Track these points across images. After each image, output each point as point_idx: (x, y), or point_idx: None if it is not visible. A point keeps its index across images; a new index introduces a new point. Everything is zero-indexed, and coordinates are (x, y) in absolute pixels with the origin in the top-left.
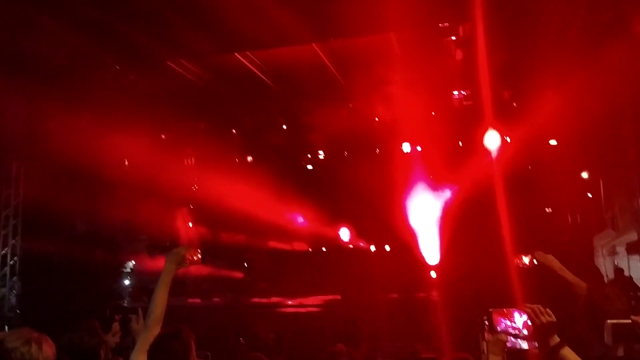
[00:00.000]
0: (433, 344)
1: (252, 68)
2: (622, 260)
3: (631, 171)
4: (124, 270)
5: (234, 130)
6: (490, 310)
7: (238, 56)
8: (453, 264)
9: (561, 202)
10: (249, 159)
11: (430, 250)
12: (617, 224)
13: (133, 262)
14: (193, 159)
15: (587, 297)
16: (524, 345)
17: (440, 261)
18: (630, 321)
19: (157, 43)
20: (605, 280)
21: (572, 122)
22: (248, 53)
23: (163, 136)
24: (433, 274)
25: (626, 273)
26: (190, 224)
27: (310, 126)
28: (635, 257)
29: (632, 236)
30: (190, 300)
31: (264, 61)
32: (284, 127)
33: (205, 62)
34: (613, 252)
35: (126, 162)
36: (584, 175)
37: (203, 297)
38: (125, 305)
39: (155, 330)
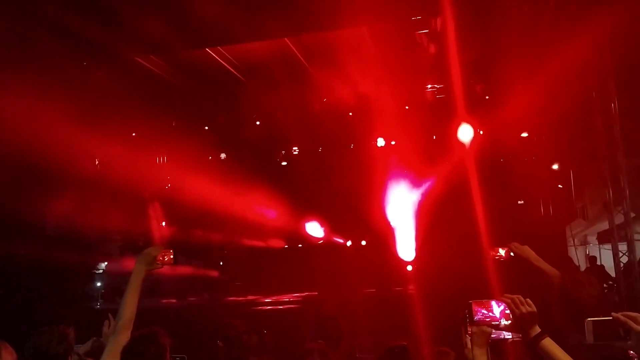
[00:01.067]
0: (412, 338)
1: (224, 64)
2: (593, 249)
3: (601, 162)
4: (96, 271)
5: (206, 127)
6: (470, 301)
7: (210, 52)
8: (429, 258)
9: (533, 194)
10: (222, 156)
11: (407, 244)
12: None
13: (105, 263)
14: (165, 157)
15: (560, 284)
16: (508, 335)
17: (416, 255)
18: (610, 318)
19: (125, 39)
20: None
21: (542, 115)
22: (220, 48)
23: (134, 134)
24: (409, 268)
25: (598, 262)
26: (164, 223)
27: (283, 122)
28: (606, 245)
29: (603, 225)
30: (164, 300)
31: (236, 57)
32: (257, 123)
33: (176, 58)
34: (585, 242)
35: (97, 162)
36: (555, 166)
37: (178, 297)
38: (98, 307)
39: (124, 334)
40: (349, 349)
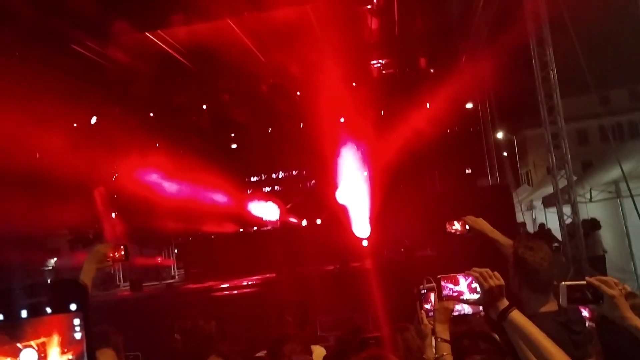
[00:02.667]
0: (370, 314)
1: (168, 49)
2: (539, 214)
3: (542, 128)
4: (45, 268)
5: (151, 114)
6: (439, 276)
7: (152, 37)
8: (383, 233)
9: (480, 163)
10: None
11: (361, 220)
12: (533, 180)
13: (54, 259)
14: (110, 146)
15: (514, 252)
16: (469, 310)
17: (371, 230)
18: (584, 282)
19: (61, 24)
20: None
21: (486, 85)
22: (162, 34)
23: (75, 124)
24: (365, 244)
25: (545, 226)
26: (114, 215)
27: (231, 104)
28: (551, 209)
29: (548, 190)
30: (119, 293)
31: (180, 42)
32: (204, 107)
33: (118, 44)
34: (531, 207)
35: (37, 155)
36: (499, 135)
37: (133, 288)
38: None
39: None
40: (311, 330)
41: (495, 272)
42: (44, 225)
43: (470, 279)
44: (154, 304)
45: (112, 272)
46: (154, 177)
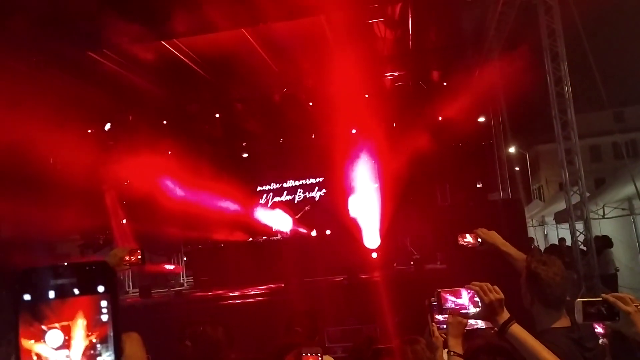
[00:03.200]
0: (379, 326)
1: (182, 57)
2: (551, 230)
3: (555, 143)
4: None
5: (164, 122)
6: (439, 290)
7: (167, 45)
8: (394, 245)
9: (492, 177)
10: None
11: (371, 232)
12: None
13: (66, 264)
14: (124, 152)
15: (527, 267)
16: (482, 324)
17: (381, 243)
18: (600, 299)
19: (77, 34)
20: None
21: (499, 99)
22: (177, 42)
23: (90, 130)
24: (374, 255)
25: (556, 242)
26: (124, 221)
27: (244, 114)
28: (563, 225)
29: (560, 206)
30: (128, 299)
31: (195, 50)
32: (217, 115)
33: (131, 52)
34: (542, 222)
35: (51, 160)
36: (511, 149)
37: (142, 295)
38: None
39: None
40: (319, 341)
41: (495, 286)
42: (55, 230)
43: (472, 292)
44: (162, 310)
45: (121, 277)
46: (165, 184)
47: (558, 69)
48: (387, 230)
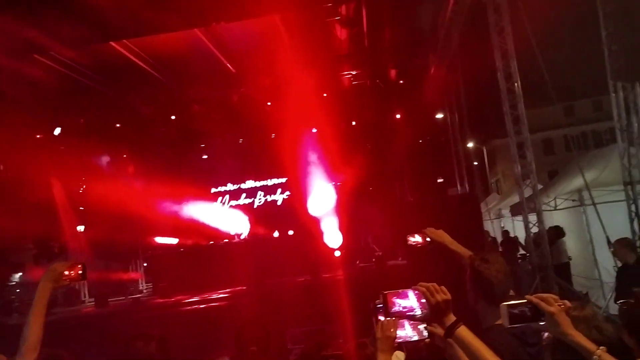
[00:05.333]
0: (342, 326)
1: (134, 58)
2: (507, 222)
3: (510, 138)
4: (10, 283)
5: (117, 125)
6: (385, 292)
7: (117, 47)
8: (355, 243)
9: (450, 172)
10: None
11: (333, 230)
12: (502, 188)
13: (19, 274)
14: (76, 157)
15: (470, 265)
16: (415, 337)
17: (343, 241)
18: (525, 301)
19: (22, 37)
20: (498, 241)
21: (454, 95)
22: (128, 43)
23: (39, 136)
24: (337, 254)
25: (512, 234)
26: (81, 228)
27: (201, 115)
28: (518, 218)
29: (515, 199)
30: (83, 309)
31: (147, 52)
32: (173, 117)
33: (81, 53)
34: (499, 215)
35: (1, 167)
36: (469, 145)
37: (98, 304)
38: (12, 322)
39: (30, 358)
40: (281, 340)
41: (442, 287)
42: (8, 239)
43: (418, 293)
44: (117, 320)
45: (76, 287)
46: (121, 189)
47: (508, 66)
48: (349, 228)
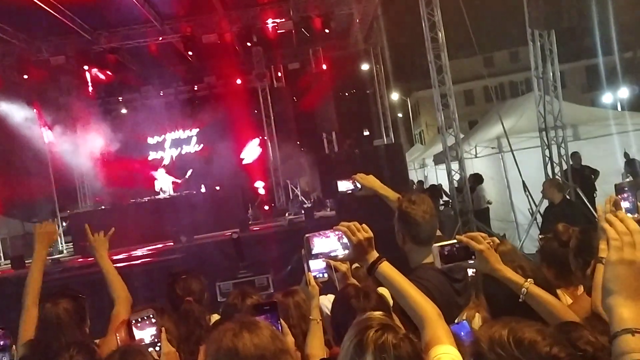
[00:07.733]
0: (272, 277)
1: (41, 4)
2: (431, 171)
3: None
4: None
5: (25, 76)
6: (307, 235)
7: None
8: (285, 195)
9: (376, 124)
10: None
11: (262, 183)
12: (425, 139)
13: None
14: None
15: (398, 207)
16: (325, 275)
17: (272, 193)
18: (454, 241)
19: None
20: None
21: (380, 47)
22: None
23: None
24: (266, 208)
25: (435, 182)
26: None
27: (118, 66)
28: (441, 166)
29: (438, 148)
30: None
31: None
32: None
33: None
34: (423, 165)
35: None
36: (394, 97)
37: (14, 266)
38: None
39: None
40: (211, 297)
41: (364, 225)
42: None
43: (339, 234)
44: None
45: None
46: (32, 142)
47: (432, 14)
48: (278, 181)
